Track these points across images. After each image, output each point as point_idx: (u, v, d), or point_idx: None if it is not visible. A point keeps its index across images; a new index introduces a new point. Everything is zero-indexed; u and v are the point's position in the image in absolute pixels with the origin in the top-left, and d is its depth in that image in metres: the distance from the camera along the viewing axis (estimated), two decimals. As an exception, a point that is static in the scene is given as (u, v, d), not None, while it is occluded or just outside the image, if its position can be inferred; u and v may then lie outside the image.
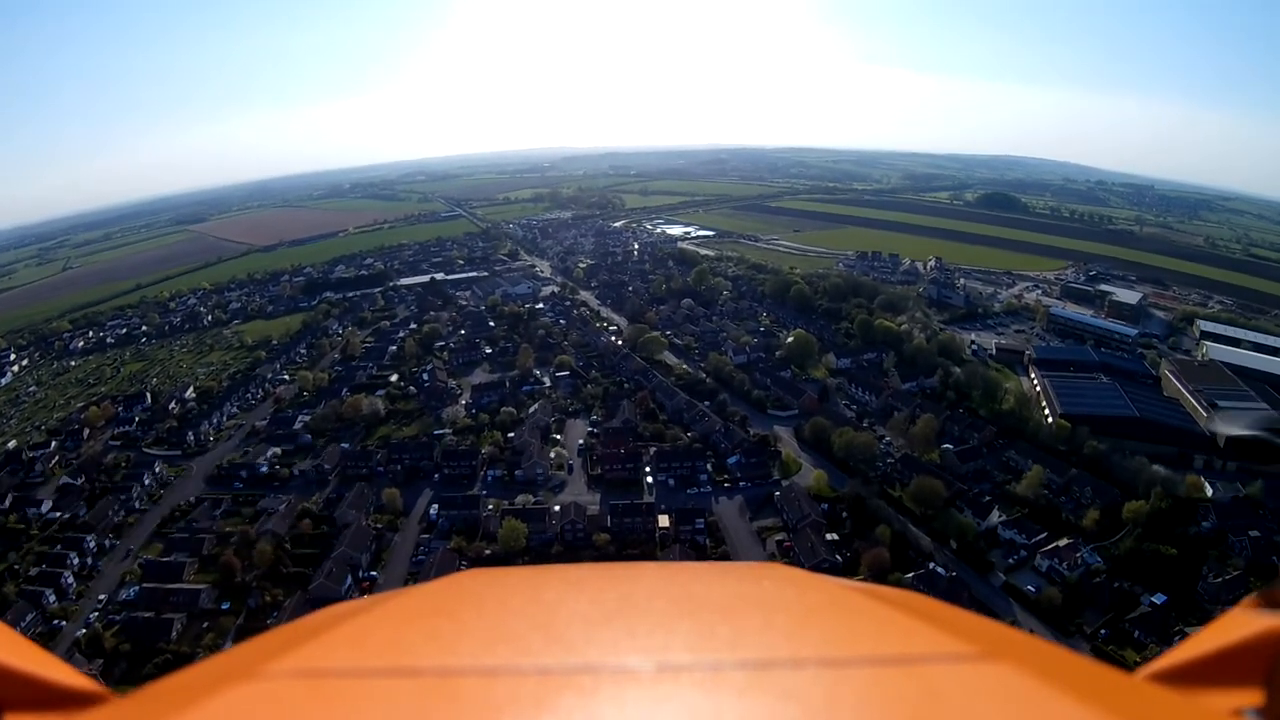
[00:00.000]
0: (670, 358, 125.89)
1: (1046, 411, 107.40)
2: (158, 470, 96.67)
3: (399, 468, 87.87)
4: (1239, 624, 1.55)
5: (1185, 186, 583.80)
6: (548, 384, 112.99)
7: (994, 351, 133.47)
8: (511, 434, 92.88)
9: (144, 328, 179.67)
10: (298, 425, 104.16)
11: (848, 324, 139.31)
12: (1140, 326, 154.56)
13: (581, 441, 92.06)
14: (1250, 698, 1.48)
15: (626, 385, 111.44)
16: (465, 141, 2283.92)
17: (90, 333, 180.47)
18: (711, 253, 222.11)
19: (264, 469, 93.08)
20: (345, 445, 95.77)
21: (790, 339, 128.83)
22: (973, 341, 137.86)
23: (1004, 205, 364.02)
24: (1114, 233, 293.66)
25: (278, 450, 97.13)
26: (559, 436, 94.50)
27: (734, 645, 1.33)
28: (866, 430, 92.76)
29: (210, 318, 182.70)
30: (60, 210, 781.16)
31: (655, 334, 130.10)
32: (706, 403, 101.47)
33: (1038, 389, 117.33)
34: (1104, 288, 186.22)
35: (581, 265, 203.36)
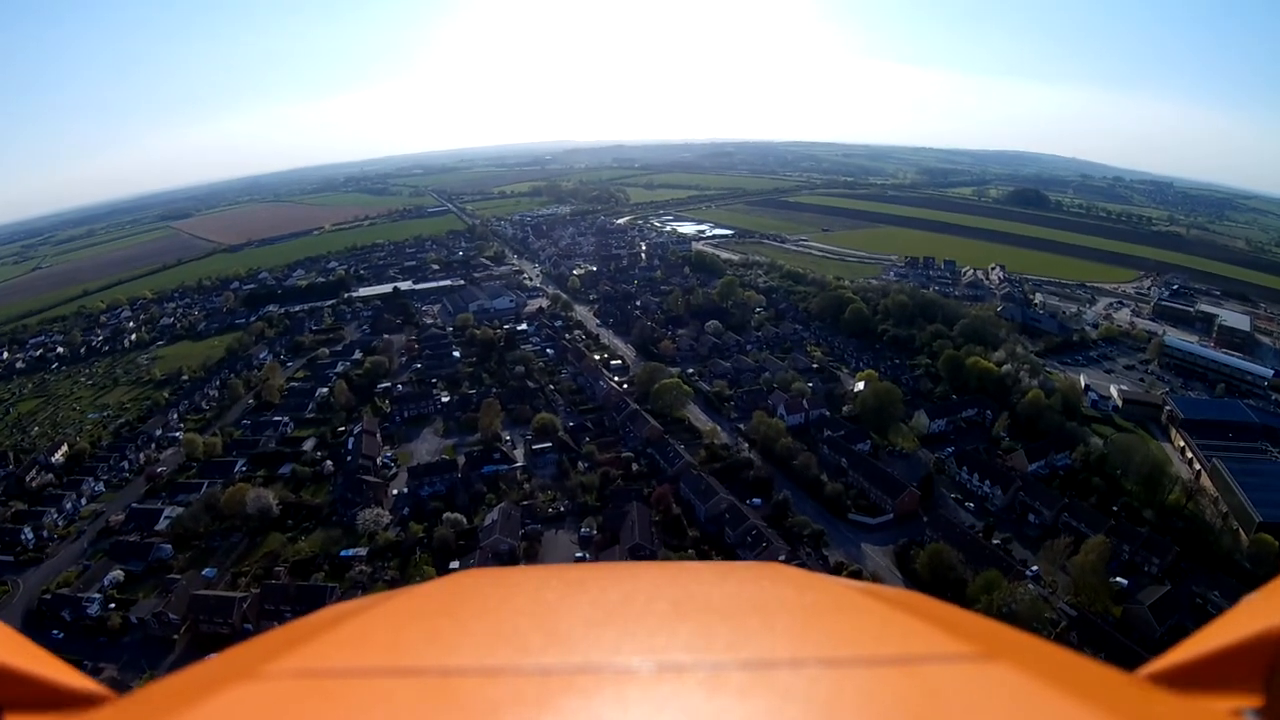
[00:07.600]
0: (697, 414, 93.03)
1: (1223, 507, 75.88)
2: (-33, 593, 67.68)
3: (275, 624, 55.17)
4: (1239, 625, 1.53)
5: (1200, 184, 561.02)
6: (520, 462, 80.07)
7: (1119, 403, 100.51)
8: (455, 564, 60.54)
9: (59, 350, 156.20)
10: (162, 523, 72.39)
11: (927, 360, 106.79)
12: (1268, 361, 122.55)
13: (568, 581, 59.13)
14: (1250, 698, 1.47)
15: (636, 465, 78.64)
16: (466, 136, 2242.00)
17: (6, 354, 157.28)
18: (734, 256, 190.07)
19: (94, 609, 61.39)
20: (209, 573, 63.52)
21: (860, 385, 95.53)
22: (1088, 387, 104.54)
23: (1035, 203, 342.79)
24: (1160, 235, 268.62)
25: (120, 575, 65.15)
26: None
27: (734, 645, 1.31)
28: (1019, 573, 58.57)
29: (134, 338, 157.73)
30: (60, 205, 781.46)
31: (674, 377, 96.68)
32: (757, 501, 69.14)
33: (1196, 468, 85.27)
34: (1204, 308, 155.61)
35: (578, 272, 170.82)
